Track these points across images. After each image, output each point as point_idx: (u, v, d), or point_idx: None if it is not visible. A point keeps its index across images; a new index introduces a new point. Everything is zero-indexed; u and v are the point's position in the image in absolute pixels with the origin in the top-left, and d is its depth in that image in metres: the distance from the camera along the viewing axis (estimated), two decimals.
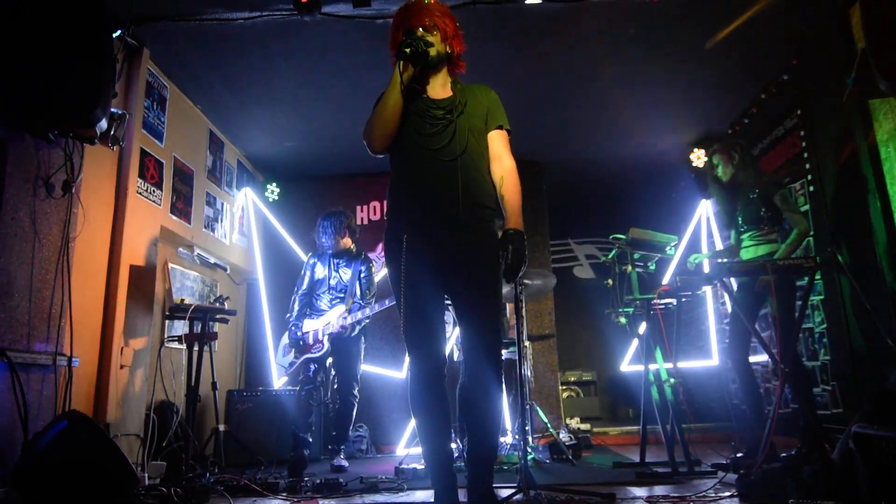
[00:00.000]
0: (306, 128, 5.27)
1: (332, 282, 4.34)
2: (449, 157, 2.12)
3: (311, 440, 4.15)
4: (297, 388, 4.24)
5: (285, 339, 4.40)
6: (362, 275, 4.34)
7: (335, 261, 4.37)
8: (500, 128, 2.26)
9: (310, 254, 4.54)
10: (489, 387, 2.07)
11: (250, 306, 5.90)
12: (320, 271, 4.38)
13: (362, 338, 4.30)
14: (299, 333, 4.26)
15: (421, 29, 2.19)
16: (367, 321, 4.26)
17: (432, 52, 2.18)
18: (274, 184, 6.11)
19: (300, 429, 4.02)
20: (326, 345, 4.17)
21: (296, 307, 4.35)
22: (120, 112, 3.23)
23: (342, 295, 4.30)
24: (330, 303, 4.31)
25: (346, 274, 4.33)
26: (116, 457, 2.49)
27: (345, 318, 4.13)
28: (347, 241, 4.35)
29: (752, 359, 5.15)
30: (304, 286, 4.37)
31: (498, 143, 2.25)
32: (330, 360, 4.30)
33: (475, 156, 2.18)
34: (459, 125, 2.16)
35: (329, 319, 4.21)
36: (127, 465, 2.52)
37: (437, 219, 2.10)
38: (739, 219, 3.65)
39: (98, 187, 3.53)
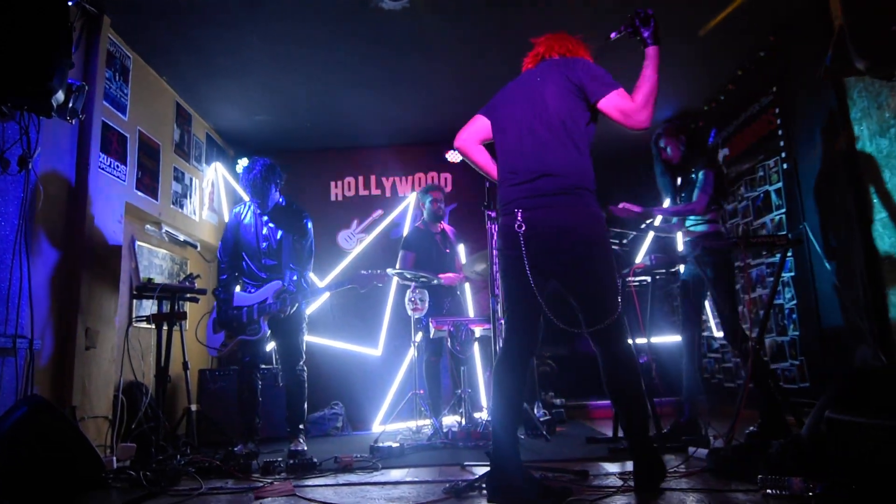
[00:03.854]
0: (277, 101, 5.12)
1: (262, 244, 3.69)
2: None
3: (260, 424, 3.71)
4: (238, 373, 3.69)
5: (212, 314, 3.74)
6: (299, 235, 3.68)
7: (264, 219, 3.72)
8: None
9: (232, 210, 3.88)
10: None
11: None
12: (246, 232, 3.72)
13: (304, 308, 3.73)
14: (232, 311, 3.63)
15: None
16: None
17: None
18: (245, 158, 5.92)
19: (248, 416, 3.59)
20: (264, 327, 3.58)
21: (222, 276, 3.74)
22: (78, 83, 3.08)
23: (275, 262, 3.67)
24: (263, 271, 3.68)
25: (277, 235, 3.68)
26: (79, 442, 2.43)
27: (285, 298, 3.52)
28: (276, 195, 3.72)
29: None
30: (229, 251, 3.75)
31: None
32: (269, 338, 3.74)
33: None
34: None
35: (265, 296, 3.60)
36: (91, 450, 2.46)
37: None
38: (681, 197, 3.64)
39: (57, 163, 3.39)
